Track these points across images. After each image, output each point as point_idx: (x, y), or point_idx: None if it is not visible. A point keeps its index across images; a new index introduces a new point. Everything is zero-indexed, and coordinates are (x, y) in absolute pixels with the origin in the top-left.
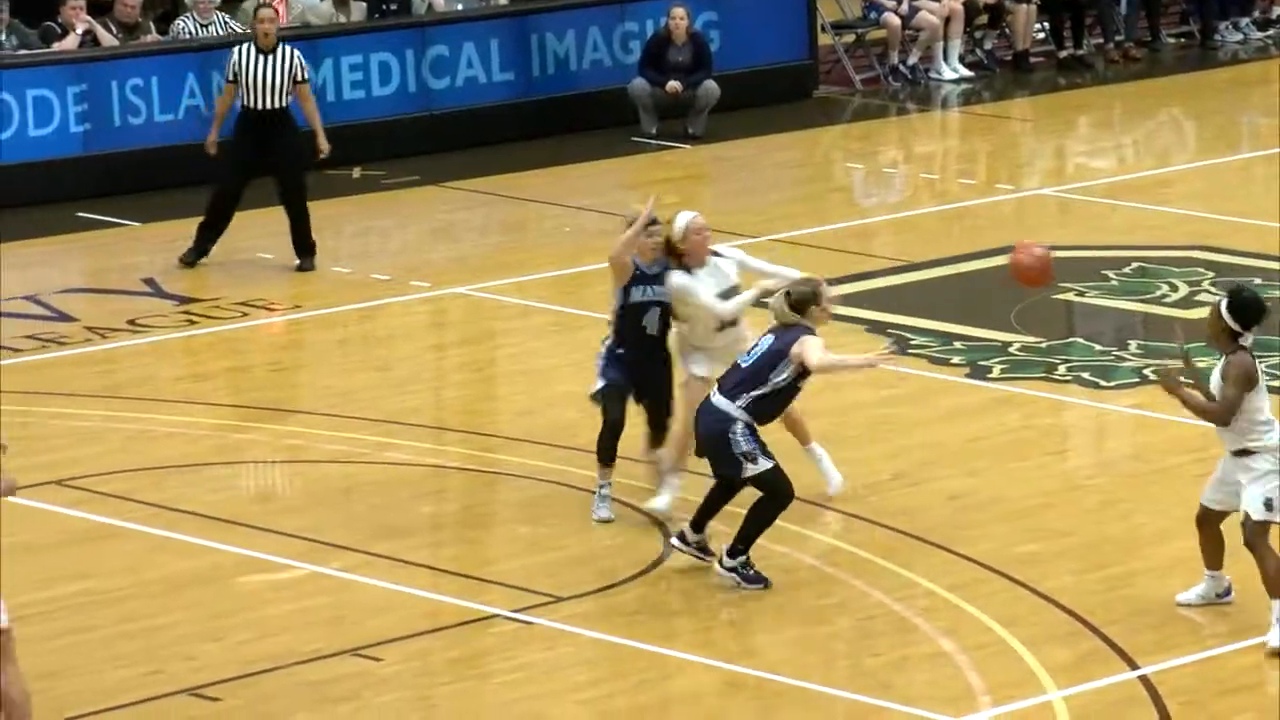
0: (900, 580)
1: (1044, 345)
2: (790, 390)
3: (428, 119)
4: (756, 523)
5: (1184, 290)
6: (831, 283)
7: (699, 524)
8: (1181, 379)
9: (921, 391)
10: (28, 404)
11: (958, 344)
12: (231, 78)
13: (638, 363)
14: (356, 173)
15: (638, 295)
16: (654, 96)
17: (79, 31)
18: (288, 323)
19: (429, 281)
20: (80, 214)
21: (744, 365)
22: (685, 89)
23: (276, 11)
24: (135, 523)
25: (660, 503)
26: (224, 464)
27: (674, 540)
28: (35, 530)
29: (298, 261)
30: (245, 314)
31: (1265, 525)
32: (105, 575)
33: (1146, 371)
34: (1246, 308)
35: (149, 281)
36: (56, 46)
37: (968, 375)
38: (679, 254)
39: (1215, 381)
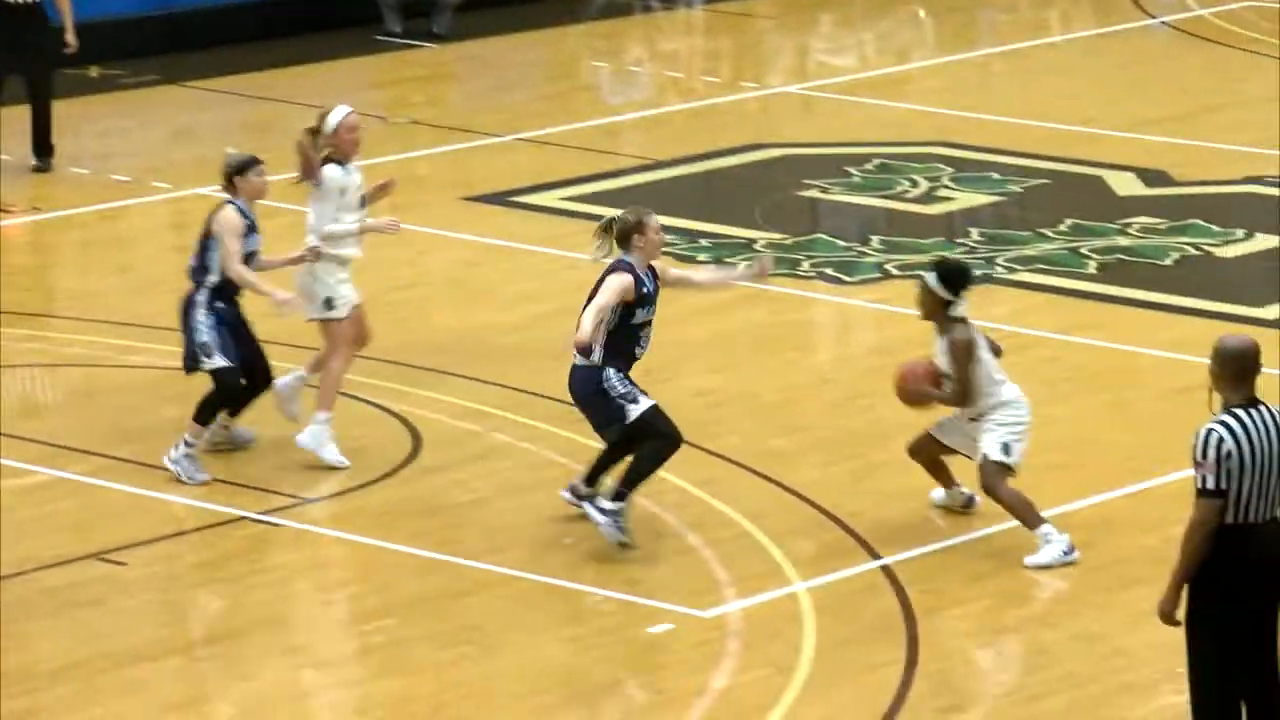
0: None
1: (789, 242)
2: (632, 324)
3: (166, 17)
4: (648, 465)
5: (924, 186)
6: (579, 181)
7: (592, 478)
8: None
9: (668, 289)
10: None
11: (704, 241)
12: None
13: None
14: (95, 72)
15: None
16: None
17: None
18: (26, 224)
19: (170, 183)
20: None
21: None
22: None
23: None
24: None
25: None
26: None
27: (564, 494)
28: None
29: (34, 162)
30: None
31: (1003, 467)
32: None
33: (889, 267)
34: (954, 275)
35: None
36: None
37: None
38: (326, 147)
39: (943, 362)
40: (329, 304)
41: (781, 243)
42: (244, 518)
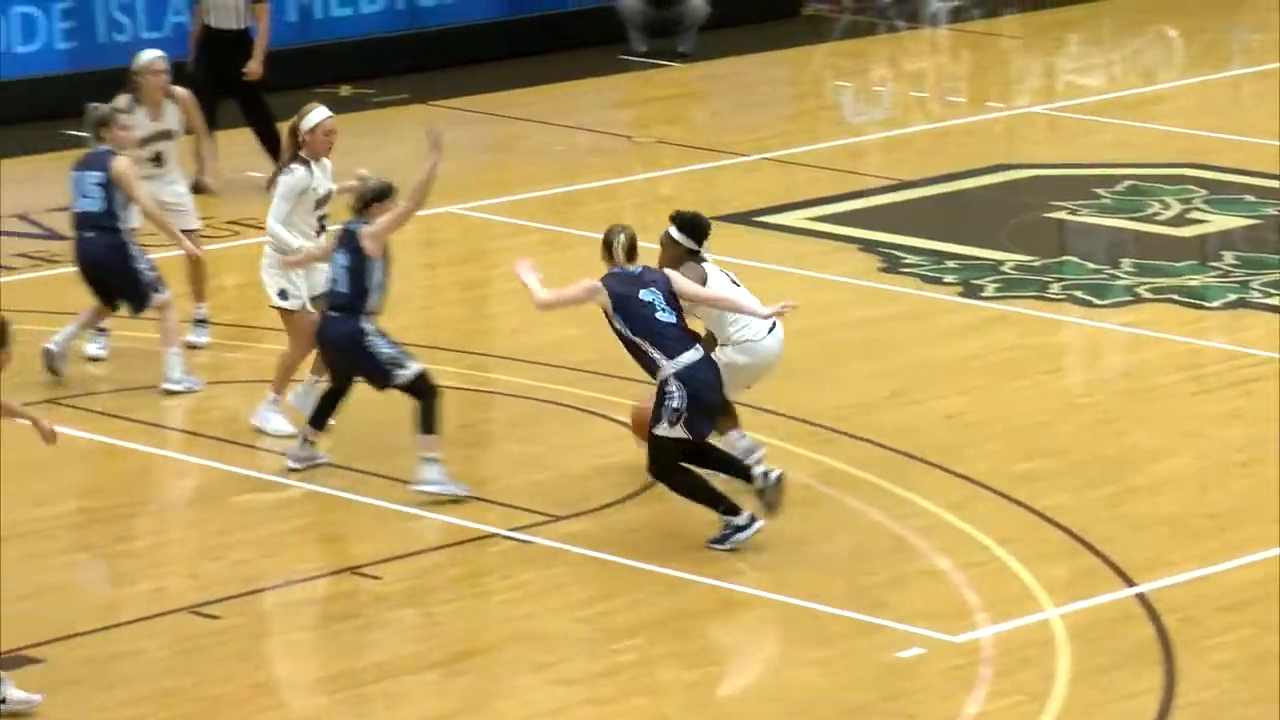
0: (896, 499)
1: (1037, 264)
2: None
3: (416, 37)
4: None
5: (1176, 208)
6: (823, 201)
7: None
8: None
9: (915, 310)
10: (21, 322)
11: (950, 263)
12: None
13: None
14: (345, 90)
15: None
16: (644, 14)
17: None
18: None
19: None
20: (66, 131)
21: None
22: (674, 3)
23: None
24: (133, 441)
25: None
26: (219, 383)
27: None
28: (33, 449)
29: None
30: (236, 233)
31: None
32: (104, 493)
33: (1141, 290)
34: (695, 224)
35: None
36: None
37: (961, 294)
38: (300, 144)
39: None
40: (282, 295)
41: (1029, 264)
42: (496, 534)
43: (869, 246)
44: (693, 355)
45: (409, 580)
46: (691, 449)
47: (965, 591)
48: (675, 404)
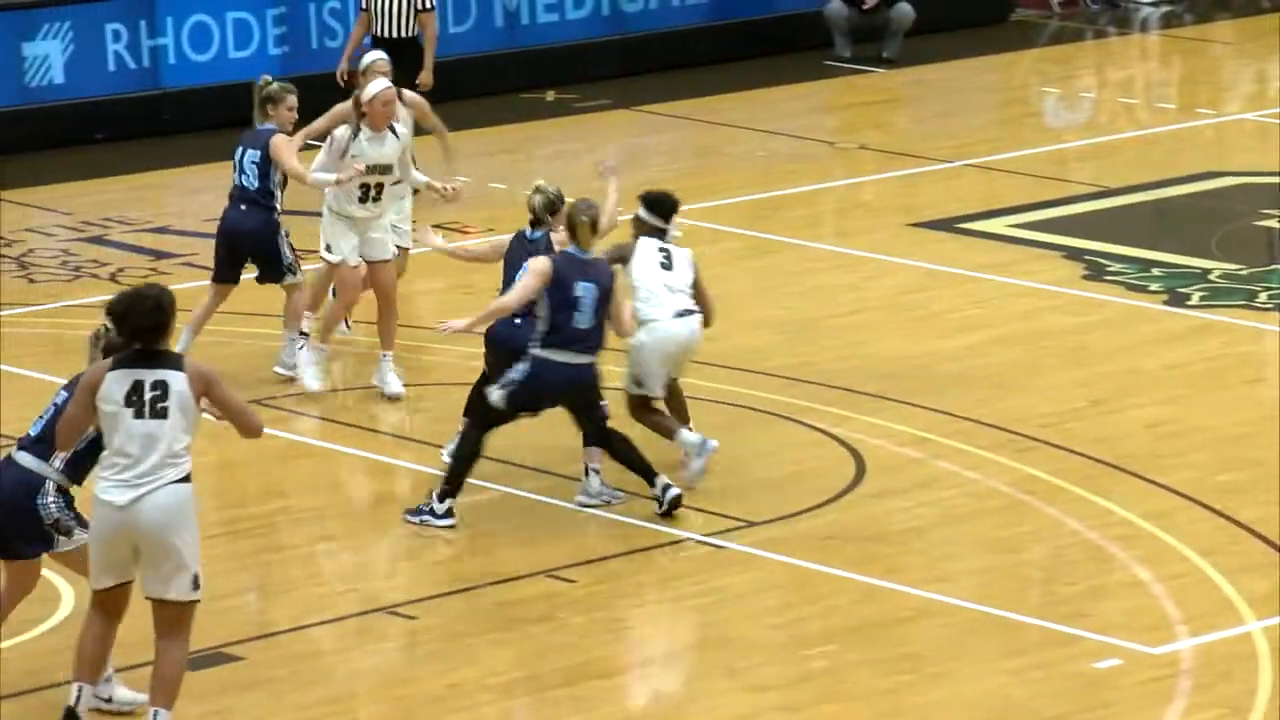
0: (1096, 508)
1: (1245, 272)
2: None
3: (621, 42)
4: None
5: None
6: (1027, 209)
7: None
8: None
9: (1119, 318)
10: (232, 324)
11: (1156, 270)
12: (364, 5)
13: None
14: (550, 96)
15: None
16: (849, 20)
17: None
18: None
19: (621, 205)
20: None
21: None
22: (879, 8)
23: None
24: (332, 442)
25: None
26: (417, 385)
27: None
28: (233, 449)
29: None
30: (442, 237)
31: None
32: (302, 494)
33: None
34: (661, 202)
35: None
36: None
37: (1166, 302)
38: (362, 114)
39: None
40: (327, 249)
41: (1237, 273)
42: (690, 539)
43: (1073, 254)
44: (565, 355)
45: (602, 584)
46: (610, 446)
47: (1165, 603)
48: (514, 375)
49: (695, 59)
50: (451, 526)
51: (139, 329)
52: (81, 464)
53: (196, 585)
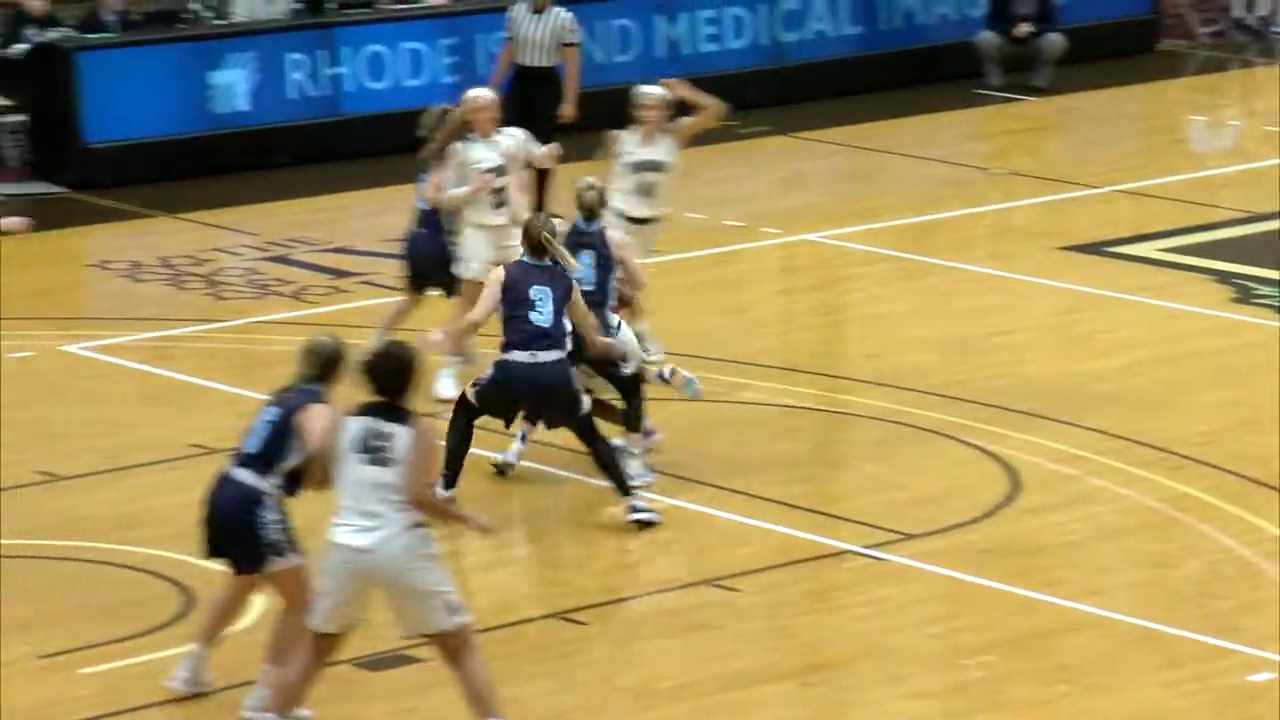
0: (1247, 525)
1: None
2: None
3: (779, 71)
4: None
5: None
6: (1176, 233)
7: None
8: None
9: (1267, 340)
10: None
11: None
12: (509, 35)
13: None
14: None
15: None
16: (1000, 49)
17: None
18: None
19: (779, 228)
20: None
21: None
22: (1030, 38)
23: None
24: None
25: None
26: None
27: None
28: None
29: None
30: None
31: None
32: (484, 502)
33: None
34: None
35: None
36: (430, 1)
37: None
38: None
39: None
40: (463, 262)
41: None
42: (850, 551)
43: (1222, 277)
44: (524, 354)
45: (765, 593)
46: (594, 448)
47: None
48: (483, 376)
49: (851, 87)
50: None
51: (385, 386)
52: (297, 481)
53: (454, 611)
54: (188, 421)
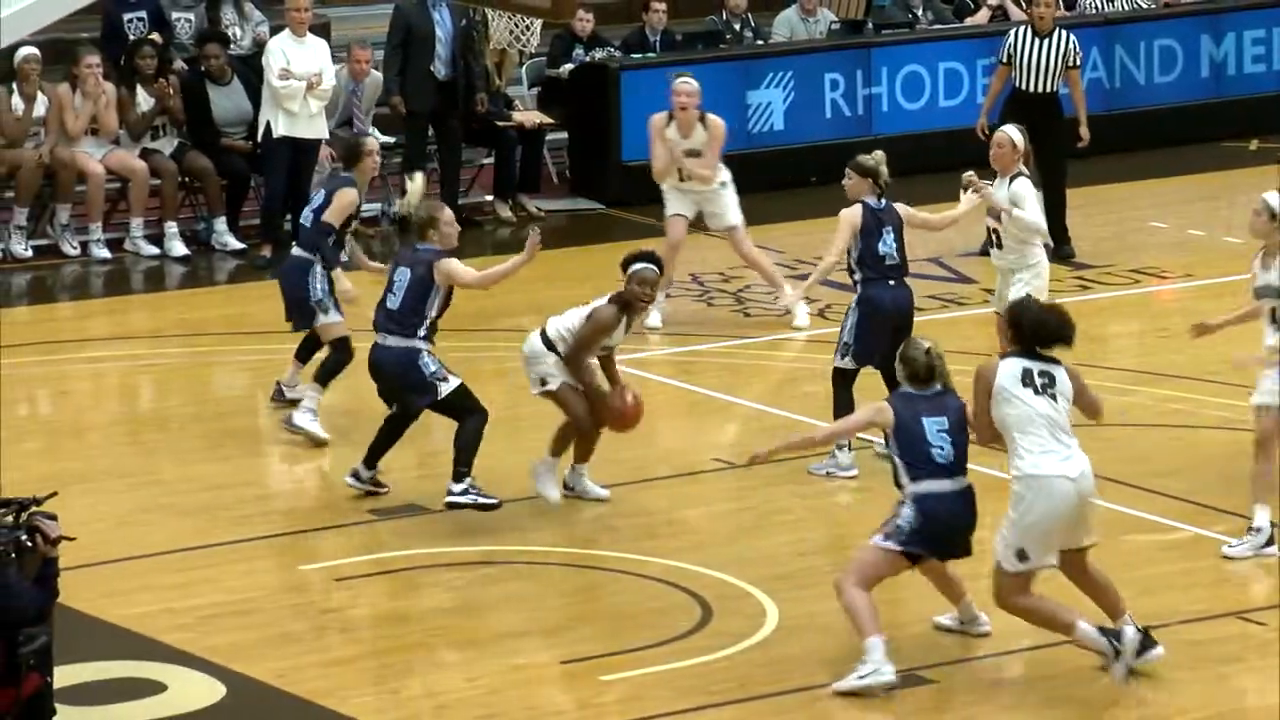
0: None
1: None
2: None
3: None
4: (470, 445)
5: None
6: None
7: (372, 461)
8: None
9: None
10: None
11: None
12: (1005, 59)
13: None
14: (1254, 145)
15: None
16: None
17: (990, 4)
18: (1177, 290)
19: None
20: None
21: (394, 305)
22: None
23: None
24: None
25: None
26: (1108, 425)
27: (347, 479)
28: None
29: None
30: (1136, 280)
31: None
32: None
33: None
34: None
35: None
36: (969, 21)
37: None
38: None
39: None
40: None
41: None
42: None
43: None
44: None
45: None
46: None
47: None
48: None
49: None
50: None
51: (1039, 337)
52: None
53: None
54: (711, 436)
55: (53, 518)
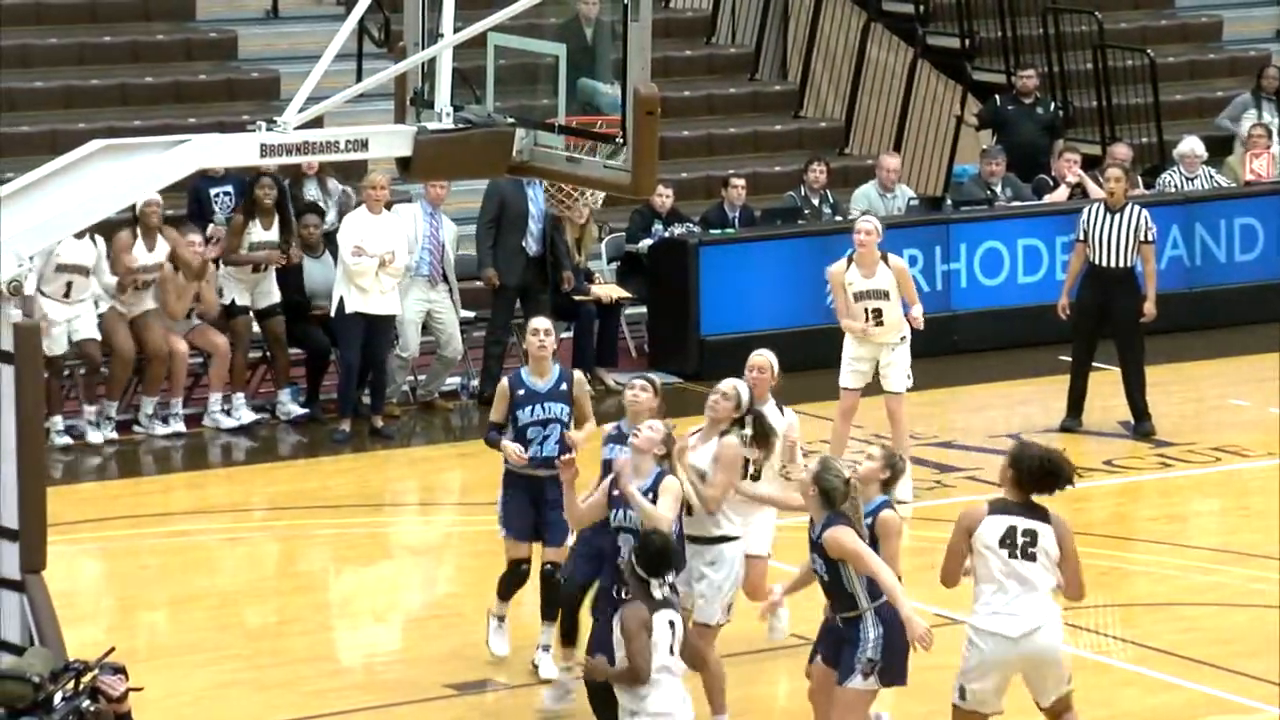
0: None
1: None
2: None
3: None
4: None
5: None
6: None
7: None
8: None
9: None
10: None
11: None
12: (1081, 236)
13: None
14: None
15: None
16: None
17: (1069, 182)
18: (1260, 469)
19: None
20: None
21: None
22: None
23: (1125, 174)
24: (1106, 656)
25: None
26: (1190, 604)
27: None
28: None
29: (1132, 424)
30: (1218, 459)
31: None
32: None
33: None
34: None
35: (1124, 424)
36: (1048, 198)
37: None
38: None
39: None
40: None
41: None
42: None
43: None
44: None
45: None
46: None
47: None
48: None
49: None
50: None
51: (1038, 481)
52: None
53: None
54: None
55: (120, 670)
